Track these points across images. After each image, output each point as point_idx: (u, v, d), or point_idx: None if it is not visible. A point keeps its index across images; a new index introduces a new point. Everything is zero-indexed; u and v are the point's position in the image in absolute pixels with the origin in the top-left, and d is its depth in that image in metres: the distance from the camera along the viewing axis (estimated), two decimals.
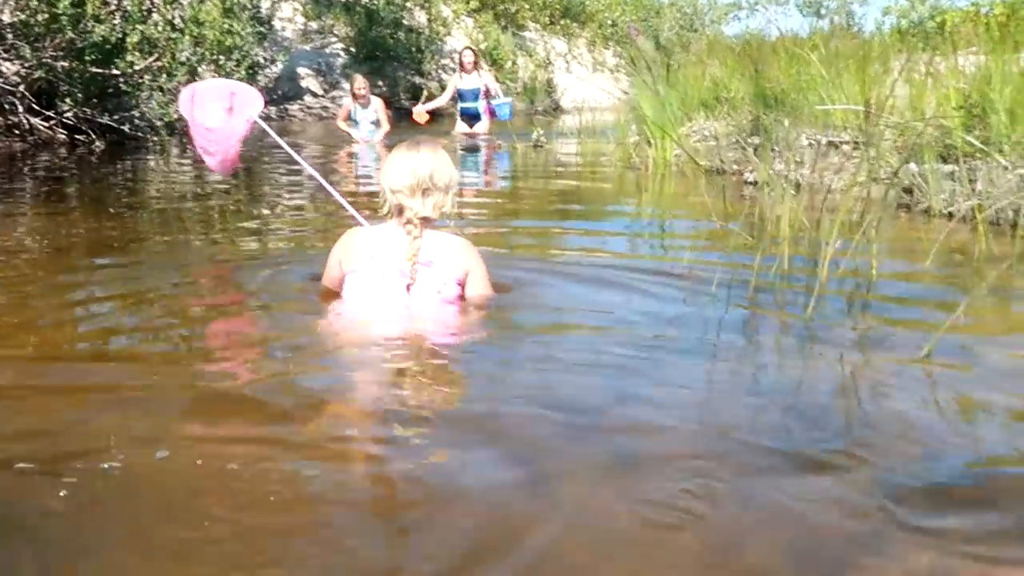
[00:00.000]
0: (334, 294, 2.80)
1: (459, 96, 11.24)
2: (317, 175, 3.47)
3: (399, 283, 2.65)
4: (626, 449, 1.85)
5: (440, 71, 19.82)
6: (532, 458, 1.79)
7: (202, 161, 3.49)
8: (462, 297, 2.73)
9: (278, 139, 3.41)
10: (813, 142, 6.10)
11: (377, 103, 10.12)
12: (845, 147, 6.00)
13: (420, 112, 10.48)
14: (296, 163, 3.61)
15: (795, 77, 7.08)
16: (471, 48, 11.55)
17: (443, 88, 13.22)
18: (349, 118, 10.11)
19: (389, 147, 8.06)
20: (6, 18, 8.34)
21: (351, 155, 8.83)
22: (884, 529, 1.54)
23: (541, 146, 9.22)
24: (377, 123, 10.04)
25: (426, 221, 2.66)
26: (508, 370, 2.35)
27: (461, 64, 11.21)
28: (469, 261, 2.73)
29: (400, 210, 2.66)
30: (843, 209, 3.41)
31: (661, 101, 7.77)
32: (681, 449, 1.85)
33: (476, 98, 11.05)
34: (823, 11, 34.56)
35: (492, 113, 11.07)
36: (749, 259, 3.12)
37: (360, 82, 10.05)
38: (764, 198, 3.95)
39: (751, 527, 1.56)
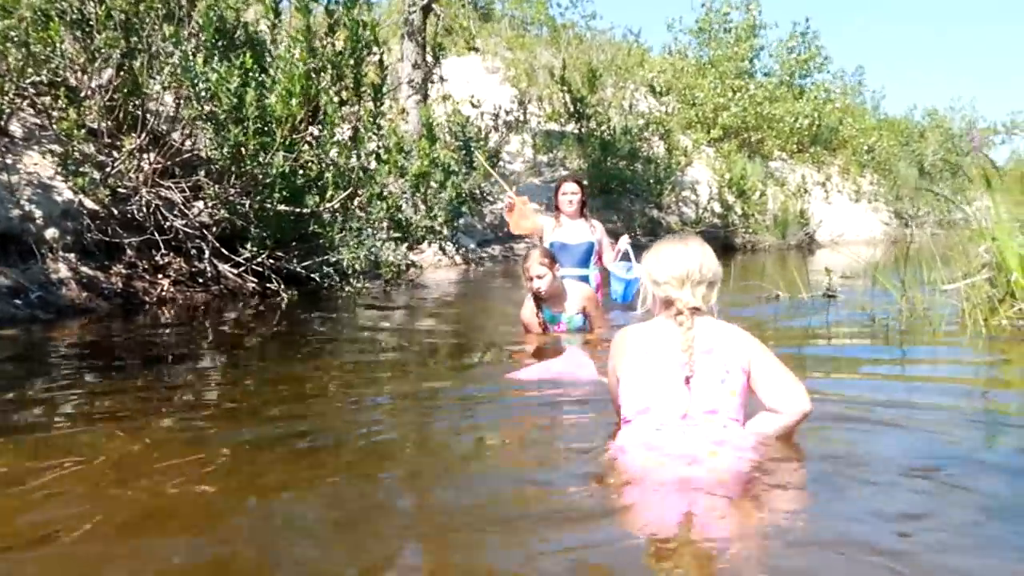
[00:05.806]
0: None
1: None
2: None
3: (677, 376, 2.46)
4: None
5: (680, 204, 17.93)
6: None
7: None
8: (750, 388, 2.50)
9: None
10: None
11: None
12: None
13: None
14: None
15: None
16: (576, 180, 6.39)
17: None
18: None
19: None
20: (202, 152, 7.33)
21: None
22: None
23: (834, 296, 6.84)
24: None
25: (696, 311, 2.52)
26: None
27: (557, 205, 6.23)
28: (752, 348, 2.51)
29: (668, 303, 2.55)
30: None
31: None
32: None
33: (585, 261, 6.08)
34: None
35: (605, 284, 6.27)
36: None
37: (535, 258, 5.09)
38: None
39: None
